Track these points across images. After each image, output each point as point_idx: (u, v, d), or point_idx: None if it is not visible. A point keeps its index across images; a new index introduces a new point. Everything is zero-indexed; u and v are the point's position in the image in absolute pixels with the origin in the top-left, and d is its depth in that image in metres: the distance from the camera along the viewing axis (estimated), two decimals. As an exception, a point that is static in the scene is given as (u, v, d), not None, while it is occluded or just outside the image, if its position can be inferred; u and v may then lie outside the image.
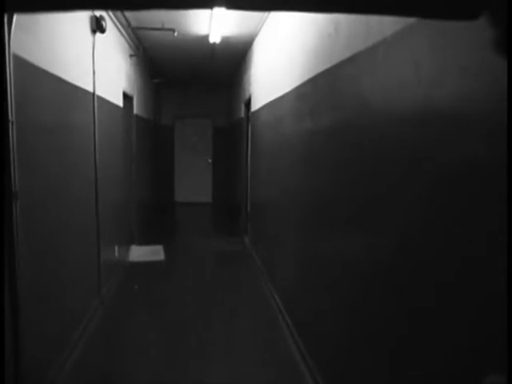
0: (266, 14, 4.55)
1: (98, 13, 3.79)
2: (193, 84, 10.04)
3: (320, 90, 2.75)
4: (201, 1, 1.14)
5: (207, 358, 3.13)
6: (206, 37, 5.58)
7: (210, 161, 10.56)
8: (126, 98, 5.57)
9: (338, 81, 2.41)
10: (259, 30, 5.23)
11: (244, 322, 3.80)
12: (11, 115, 2.08)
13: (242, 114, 7.08)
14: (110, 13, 4.39)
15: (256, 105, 5.56)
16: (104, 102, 4.18)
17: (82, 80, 3.42)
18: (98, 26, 3.78)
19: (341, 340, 2.36)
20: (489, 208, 1.21)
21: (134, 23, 5.14)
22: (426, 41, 1.51)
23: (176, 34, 5.24)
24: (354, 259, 2.20)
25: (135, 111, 6.24)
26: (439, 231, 1.44)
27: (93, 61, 3.75)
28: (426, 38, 1.50)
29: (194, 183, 10.56)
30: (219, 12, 4.38)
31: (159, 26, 5.09)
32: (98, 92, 3.89)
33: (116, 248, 4.90)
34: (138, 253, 5.92)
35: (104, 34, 4.00)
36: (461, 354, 1.35)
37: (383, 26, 1.81)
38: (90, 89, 3.68)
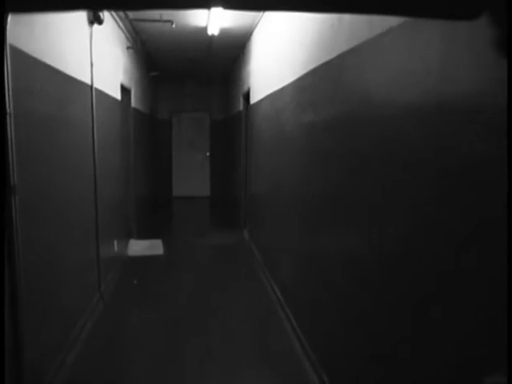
0: (265, 5, 4.49)
1: (95, 4, 3.73)
2: (190, 77, 9.96)
3: (323, 81, 2.71)
4: (198, 1, 1.12)
5: (208, 355, 3.11)
6: (205, 29, 5.51)
7: (207, 154, 10.53)
8: (124, 91, 5.51)
9: (343, 71, 2.37)
10: (259, 21, 5.17)
11: (244, 317, 3.78)
12: (9, 107, 2.04)
13: (241, 106, 7.03)
14: (107, 4, 4.32)
15: (255, 97, 5.51)
16: (102, 95, 4.13)
17: (80, 72, 3.37)
18: (95, 18, 3.72)
19: (342, 335, 2.35)
20: (491, 205, 1.19)
21: (131, 15, 5.07)
22: (432, 32, 1.48)
23: (174, 25, 5.17)
24: (356, 254, 2.18)
25: (133, 104, 6.18)
26: (442, 229, 1.42)
27: (90, 53, 3.69)
28: (433, 28, 1.47)
29: (192, 177, 10.52)
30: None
31: (157, 17, 5.02)
32: (96, 85, 3.83)
33: (115, 242, 4.86)
34: (137, 247, 5.89)
35: (101, 26, 3.94)
36: (461, 353, 1.33)
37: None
38: (88, 81, 3.63)
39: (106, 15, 4.17)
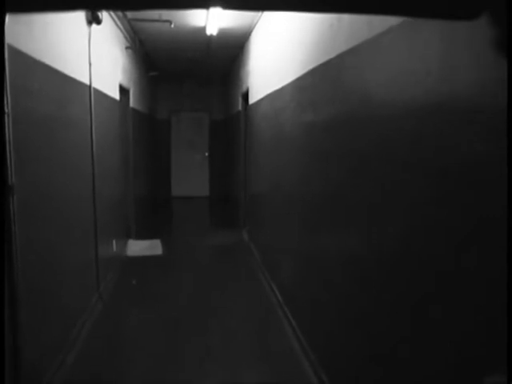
0: (264, 4, 4.49)
1: (93, 3, 3.72)
2: (189, 77, 9.95)
3: (323, 80, 2.71)
4: (197, 1, 1.13)
5: (208, 355, 3.11)
6: (203, 28, 5.51)
7: (206, 154, 10.52)
8: (123, 91, 5.50)
9: (342, 71, 2.37)
10: (258, 21, 5.16)
11: (244, 317, 3.78)
12: (7, 107, 2.03)
13: (240, 106, 7.02)
14: (106, 4, 4.31)
15: (254, 97, 5.51)
16: (101, 95, 4.12)
17: (78, 72, 3.36)
18: (93, 17, 3.72)
19: (342, 335, 2.35)
20: (491, 205, 1.19)
21: (130, 15, 5.06)
22: (432, 32, 1.48)
23: (173, 25, 5.17)
24: (356, 254, 2.17)
25: (131, 104, 6.17)
26: (441, 229, 1.42)
27: (89, 53, 3.69)
28: (432, 28, 1.47)
29: (191, 177, 10.51)
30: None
31: (156, 17, 5.02)
32: (95, 85, 3.83)
33: (114, 242, 4.86)
34: (136, 247, 5.88)
35: (100, 26, 3.93)
36: (461, 353, 1.33)
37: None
38: (87, 81, 3.62)
39: (104, 15, 4.16)
